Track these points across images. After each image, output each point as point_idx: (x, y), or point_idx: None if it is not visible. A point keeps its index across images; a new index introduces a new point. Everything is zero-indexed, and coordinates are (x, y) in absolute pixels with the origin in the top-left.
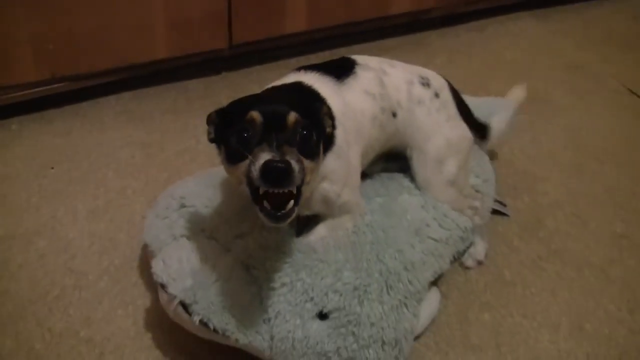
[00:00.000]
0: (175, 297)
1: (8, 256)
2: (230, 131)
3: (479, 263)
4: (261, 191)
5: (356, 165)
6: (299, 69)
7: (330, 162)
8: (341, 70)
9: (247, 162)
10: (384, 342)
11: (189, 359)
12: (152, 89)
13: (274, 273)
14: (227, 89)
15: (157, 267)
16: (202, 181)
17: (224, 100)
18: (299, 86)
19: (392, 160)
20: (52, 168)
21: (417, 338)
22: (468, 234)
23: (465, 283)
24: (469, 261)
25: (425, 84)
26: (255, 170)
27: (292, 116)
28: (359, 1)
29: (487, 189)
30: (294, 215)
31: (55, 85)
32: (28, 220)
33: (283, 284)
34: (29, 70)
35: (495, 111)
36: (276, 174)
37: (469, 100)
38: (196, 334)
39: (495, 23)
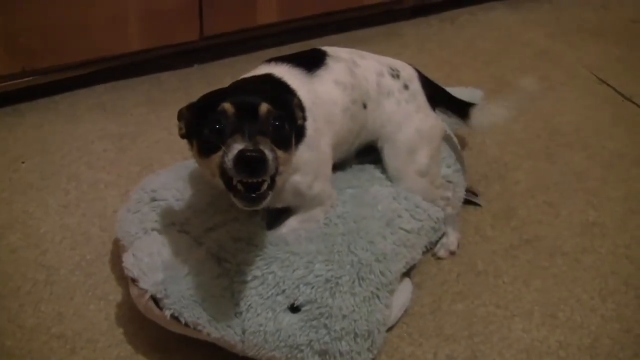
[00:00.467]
0: (146, 291)
1: None
2: (202, 123)
3: (452, 253)
4: (235, 182)
5: (327, 156)
6: (269, 60)
7: (302, 153)
8: (312, 61)
9: (220, 153)
10: (356, 334)
11: (161, 354)
12: (125, 81)
13: (246, 266)
14: (201, 80)
15: (128, 262)
16: (173, 174)
17: (197, 92)
18: (269, 78)
19: (364, 153)
20: (23, 162)
21: (390, 329)
22: (440, 224)
23: (438, 273)
24: (441, 251)
25: (395, 75)
26: (229, 160)
27: (264, 107)
28: None
29: (459, 178)
30: (268, 198)
31: (27, 79)
32: None
33: (254, 277)
34: None
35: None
36: (250, 163)
37: None
38: (168, 328)
39: (467, 13)
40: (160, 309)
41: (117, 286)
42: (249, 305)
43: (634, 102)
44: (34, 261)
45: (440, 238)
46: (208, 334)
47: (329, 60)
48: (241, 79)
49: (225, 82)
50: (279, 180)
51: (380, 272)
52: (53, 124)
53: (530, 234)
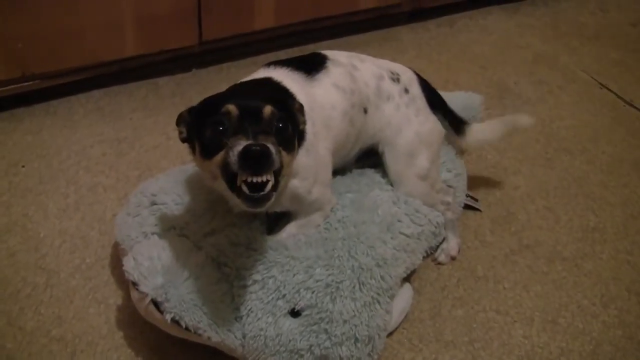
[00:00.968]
0: (146, 295)
1: None
2: (205, 125)
3: (452, 258)
4: (239, 182)
5: (326, 160)
6: (268, 64)
7: (301, 157)
8: (312, 65)
9: (223, 152)
10: (356, 339)
11: (161, 357)
12: (122, 86)
13: (245, 270)
14: (198, 85)
15: (129, 265)
16: (173, 178)
17: (194, 97)
18: (268, 81)
19: (364, 157)
20: (23, 166)
21: (390, 335)
22: (440, 229)
23: (438, 279)
24: (442, 257)
25: (395, 79)
26: (234, 155)
27: (268, 109)
28: None
29: (459, 183)
30: (272, 199)
31: (25, 84)
32: None
33: (254, 282)
34: None
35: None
36: (255, 157)
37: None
38: (168, 332)
39: (465, 17)
40: (161, 312)
41: (117, 290)
42: (250, 309)
43: (634, 106)
44: (34, 265)
45: (440, 243)
46: (208, 338)
47: (328, 64)
48: (240, 83)
49: (223, 87)
50: (282, 182)
51: (381, 277)
52: (51, 129)
53: (530, 239)
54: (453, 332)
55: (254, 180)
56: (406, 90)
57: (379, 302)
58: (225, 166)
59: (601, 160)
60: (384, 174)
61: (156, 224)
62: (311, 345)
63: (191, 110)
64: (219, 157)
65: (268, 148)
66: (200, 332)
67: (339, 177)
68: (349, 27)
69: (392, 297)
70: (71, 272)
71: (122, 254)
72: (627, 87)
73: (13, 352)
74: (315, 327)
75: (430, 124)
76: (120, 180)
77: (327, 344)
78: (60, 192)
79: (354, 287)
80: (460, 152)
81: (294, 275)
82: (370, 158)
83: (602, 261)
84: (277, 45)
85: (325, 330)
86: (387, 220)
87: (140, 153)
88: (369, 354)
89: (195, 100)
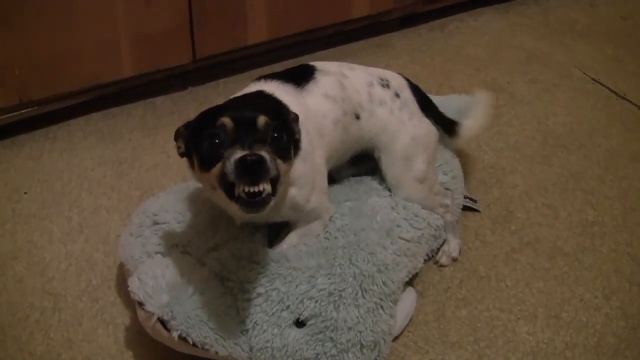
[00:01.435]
0: (153, 314)
1: None
2: (202, 139)
3: (454, 260)
4: (237, 192)
5: (322, 168)
6: (259, 78)
7: (298, 166)
8: (301, 76)
9: (220, 164)
10: (362, 345)
11: None
12: (120, 107)
13: (249, 284)
14: (195, 102)
15: (134, 285)
16: (173, 196)
17: (192, 114)
18: (261, 94)
19: (360, 163)
20: (25, 192)
21: (396, 339)
22: (440, 231)
23: (441, 281)
24: (443, 259)
25: (385, 85)
26: (230, 165)
27: (262, 119)
28: (318, 8)
29: (456, 185)
30: (271, 204)
31: (24, 110)
32: (4, 245)
33: (258, 294)
34: None
35: (463, 108)
36: (250, 166)
37: (435, 99)
38: (176, 349)
39: (457, 20)
40: (168, 330)
41: (124, 310)
42: (255, 322)
43: (628, 100)
44: (41, 289)
45: (441, 245)
46: (216, 353)
47: (317, 75)
48: (233, 98)
49: (219, 103)
50: (280, 189)
51: (383, 282)
52: (52, 154)
53: (531, 237)
54: (458, 333)
55: (251, 189)
56: (397, 95)
57: (382, 308)
58: (222, 177)
59: (598, 154)
60: (381, 180)
61: (159, 243)
62: (318, 354)
63: (188, 125)
64: (216, 168)
65: (262, 157)
66: (207, 347)
67: (337, 186)
68: (342, 37)
69: (395, 301)
70: (78, 295)
71: (127, 274)
72: (621, 82)
73: None
74: (320, 336)
75: (425, 127)
76: (122, 200)
77: (334, 351)
78: (63, 215)
79: (356, 294)
80: (456, 153)
81: (297, 285)
82: (366, 164)
83: (602, 254)
84: (272, 59)
85: (331, 338)
86: (386, 226)
87: (140, 173)
88: (375, 359)
89: (192, 117)
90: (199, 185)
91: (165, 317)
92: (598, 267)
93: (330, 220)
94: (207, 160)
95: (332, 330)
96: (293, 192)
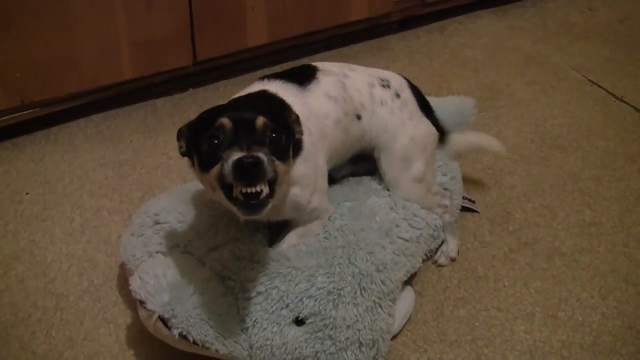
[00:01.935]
0: (154, 312)
1: None
2: (201, 139)
3: (452, 260)
4: (235, 193)
5: (323, 169)
6: (262, 78)
7: (299, 166)
8: (303, 76)
9: (219, 165)
10: (361, 344)
11: None
12: (121, 109)
13: (249, 282)
14: (195, 105)
15: (135, 285)
16: (174, 197)
17: (192, 117)
18: (264, 94)
19: (359, 162)
20: (27, 193)
21: (394, 337)
22: (438, 232)
23: (439, 280)
24: (442, 259)
25: (386, 85)
26: (228, 166)
27: (261, 120)
28: (318, 10)
29: (455, 186)
30: (269, 206)
31: (25, 112)
32: (6, 246)
33: (258, 293)
34: None
35: (461, 110)
36: (247, 168)
37: (433, 100)
38: (177, 347)
39: (455, 23)
40: (169, 328)
41: (125, 309)
42: (255, 320)
43: (625, 102)
44: (43, 289)
45: (439, 246)
46: (216, 351)
47: (319, 75)
48: (237, 97)
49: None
50: (278, 190)
51: (382, 281)
52: (53, 155)
53: (529, 237)
54: (456, 332)
55: (248, 190)
56: (397, 95)
57: (380, 306)
58: (221, 178)
59: (595, 156)
60: (381, 180)
61: (160, 243)
62: (317, 352)
63: (189, 125)
64: (215, 169)
65: (259, 159)
66: (207, 345)
67: (336, 187)
68: (341, 39)
69: (393, 300)
70: (80, 295)
71: (129, 273)
72: (618, 83)
73: None
74: (319, 334)
75: (424, 127)
76: (124, 202)
77: (332, 349)
78: (65, 216)
79: (355, 292)
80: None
81: (296, 284)
82: (365, 164)
83: (599, 254)
84: (272, 61)
85: (330, 337)
86: (385, 226)
87: (141, 174)
88: (374, 357)
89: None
90: (200, 186)
91: (166, 316)
92: (595, 267)
93: (329, 220)
94: (206, 161)
95: (331, 329)
96: (296, 191)
